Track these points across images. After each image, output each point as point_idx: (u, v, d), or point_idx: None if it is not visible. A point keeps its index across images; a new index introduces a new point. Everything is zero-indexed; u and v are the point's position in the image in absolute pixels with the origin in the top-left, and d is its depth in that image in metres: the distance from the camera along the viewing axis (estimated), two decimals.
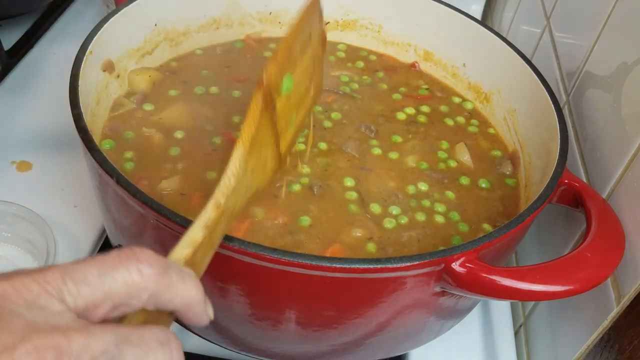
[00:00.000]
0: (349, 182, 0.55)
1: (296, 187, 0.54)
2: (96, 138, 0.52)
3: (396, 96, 0.67)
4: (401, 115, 0.64)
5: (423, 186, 0.56)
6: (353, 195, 0.54)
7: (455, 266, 0.43)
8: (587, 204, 0.49)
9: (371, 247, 0.50)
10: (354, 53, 0.73)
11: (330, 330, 0.47)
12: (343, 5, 0.72)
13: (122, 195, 0.43)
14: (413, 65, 0.72)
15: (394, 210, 0.53)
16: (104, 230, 0.65)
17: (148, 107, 0.60)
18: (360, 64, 0.71)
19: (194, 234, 0.35)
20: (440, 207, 0.55)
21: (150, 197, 0.42)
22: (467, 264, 0.43)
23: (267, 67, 0.40)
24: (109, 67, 0.58)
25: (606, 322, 0.48)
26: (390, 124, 0.63)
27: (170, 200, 0.51)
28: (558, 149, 0.52)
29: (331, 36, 0.73)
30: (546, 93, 0.57)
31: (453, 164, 0.60)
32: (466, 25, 0.67)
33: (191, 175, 0.53)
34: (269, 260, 0.40)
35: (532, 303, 0.64)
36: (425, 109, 0.66)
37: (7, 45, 0.83)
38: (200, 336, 0.53)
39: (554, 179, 0.49)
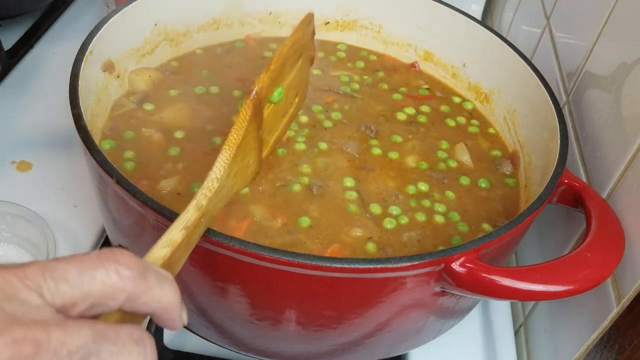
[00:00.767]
0: (349, 182, 0.55)
1: (296, 187, 0.54)
2: (96, 138, 0.52)
3: (396, 96, 0.67)
4: (401, 115, 0.64)
5: (423, 186, 0.56)
6: (353, 195, 0.54)
7: (455, 266, 0.43)
8: (587, 204, 0.49)
9: (371, 247, 0.50)
10: (354, 53, 0.73)
11: (330, 330, 0.47)
12: (343, 5, 0.72)
13: (122, 195, 0.43)
14: (413, 65, 0.72)
15: (394, 210, 0.53)
16: (104, 230, 0.65)
17: (148, 107, 0.60)
18: (361, 64, 0.71)
19: (174, 235, 0.36)
20: (440, 207, 0.55)
21: (150, 197, 0.42)
22: (467, 264, 0.43)
23: (260, 78, 0.42)
24: (109, 67, 0.58)
25: (606, 322, 0.48)
26: (390, 124, 0.63)
27: (170, 200, 0.51)
28: (558, 149, 0.52)
29: (331, 36, 0.73)
30: (546, 93, 0.57)
31: (453, 164, 0.60)
32: (466, 25, 0.67)
33: (191, 175, 0.53)
34: (269, 260, 0.40)
35: (532, 303, 0.64)
36: (425, 109, 0.66)
37: (7, 45, 0.83)
38: (200, 336, 0.53)
39: (553, 179, 0.49)
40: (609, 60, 0.55)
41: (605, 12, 0.57)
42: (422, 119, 0.64)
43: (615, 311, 0.47)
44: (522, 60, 0.61)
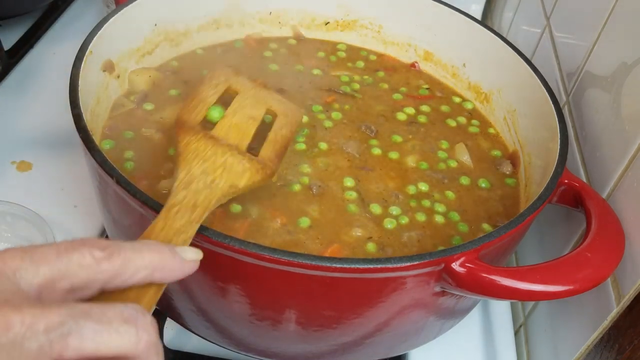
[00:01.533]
0: (349, 182, 0.55)
1: (296, 187, 0.54)
2: (96, 138, 0.52)
3: (396, 96, 0.67)
4: (401, 115, 0.64)
5: (423, 186, 0.56)
6: (353, 195, 0.54)
7: (455, 266, 0.43)
8: (587, 204, 0.49)
9: (371, 247, 0.50)
10: (354, 53, 0.73)
11: (330, 330, 0.47)
12: (343, 5, 0.72)
13: (122, 195, 0.43)
14: (413, 65, 0.72)
15: (394, 210, 0.53)
16: (104, 230, 0.65)
17: (148, 106, 0.60)
18: (361, 63, 0.71)
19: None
20: (440, 207, 0.55)
21: (150, 197, 0.42)
22: (467, 264, 0.43)
23: (179, 111, 0.50)
24: (109, 67, 0.58)
25: (606, 322, 0.48)
26: (390, 123, 0.63)
27: None
28: (558, 149, 0.52)
29: (331, 36, 0.73)
30: (546, 93, 0.57)
31: (453, 164, 0.60)
32: (466, 25, 0.67)
33: None
34: (269, 260, 0.40)
35: (532, 303, 0.64)
36: (425, 108, 0.66)
37: (7, 45, 0.83)
38: (200, 336, 0.53)
39: (553, 179, 0.49)
40: (609, 60, 0.55)
41: (605, 12, 0.57)
42: (422, 119, 0.64)
43: (615, 311, 0.47)
44: (522, 60, 0.61)
